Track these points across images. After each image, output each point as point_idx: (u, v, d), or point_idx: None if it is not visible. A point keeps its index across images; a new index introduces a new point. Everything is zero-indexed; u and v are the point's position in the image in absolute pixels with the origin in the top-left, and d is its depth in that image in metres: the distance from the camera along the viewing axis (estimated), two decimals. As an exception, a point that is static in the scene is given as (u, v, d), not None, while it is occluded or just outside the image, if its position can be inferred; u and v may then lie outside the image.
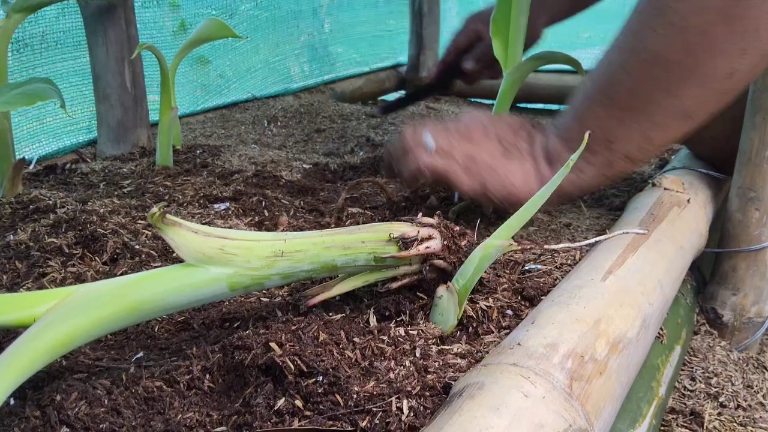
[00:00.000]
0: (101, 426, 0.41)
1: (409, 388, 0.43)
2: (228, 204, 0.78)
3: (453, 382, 0.43)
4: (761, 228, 0.75)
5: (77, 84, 1.11)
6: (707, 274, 0.83)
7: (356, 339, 0.48)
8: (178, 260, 0.45)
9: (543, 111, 1.74)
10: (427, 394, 0.43)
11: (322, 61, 1.69)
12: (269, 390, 0.43)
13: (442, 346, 0.50)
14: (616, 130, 0.65)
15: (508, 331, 0.52)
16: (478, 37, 1.03)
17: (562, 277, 0.58)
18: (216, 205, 0.78)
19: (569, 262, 0.62)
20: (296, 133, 1.27)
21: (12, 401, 0.43)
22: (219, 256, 0.45)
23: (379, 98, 1.83)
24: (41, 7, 0.85)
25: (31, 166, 0.99)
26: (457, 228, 0.55)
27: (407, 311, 0.53)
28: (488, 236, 0.69)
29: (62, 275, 0.60)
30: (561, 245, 0.58)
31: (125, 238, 0.65)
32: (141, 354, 0.51)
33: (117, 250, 0.64)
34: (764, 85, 0.72)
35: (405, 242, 0.52)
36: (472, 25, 1.04)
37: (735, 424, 0.67)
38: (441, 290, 0.51)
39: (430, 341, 0.50)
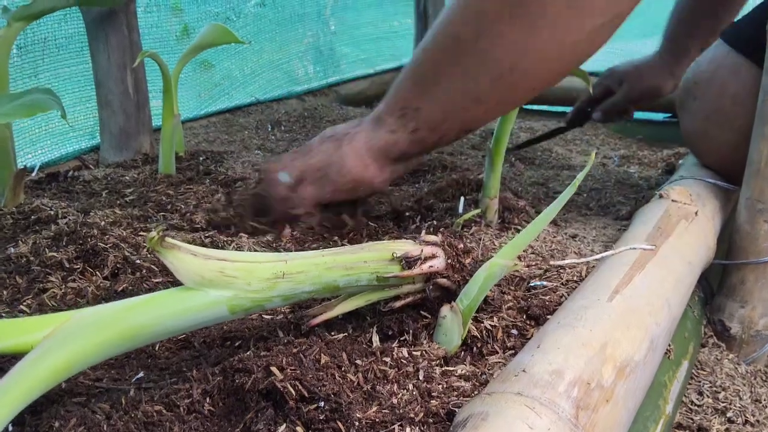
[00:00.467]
0: (99, 453, 0.40)
1: (412, 415, 0.42)
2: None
3: (457, 409, 0.42)
4: (770, 240, 0.74)
5: (80, 89, 1.11)
6: (715, 285, 0.82)
7: (358, 361, 0.47)
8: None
9: (549, 113, 1.72)
10: (431, 421, 0.42)
11: (326, 63, 1.68)
12: (270, 416, 0.43)
13: (446, 368, 0.49)
14: (420, 98, 0.68)
15: (513, 351, 0.51)
16: (609, 92, 1.23)
17: (568, 295, 0.58)
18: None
19: (575, 278, 0.61)
20: (300, 138, 1.27)
21: (11, 428, 0.43)
22: (219, 279, 0.44)
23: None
24: (42, 15, 0.84)
25: (34, 173, 0.99)
26: (461, 245, 0.55)
27: (411, 330, 0.52)
28: (493, 246, 0.69)
29: (63, 291, 0.60)
30: (567, 261, 0.58)
31: (126, 253, 0.64)
32: (141, 374, 0.50)
33: (118, 265, 0.63)
34: (774, 95, 0.71)
35: (408, 261, 0.51)
36: (605, 81, 1.24)
37: (743, 441, 0.66)
38: (445, 310, 0.50)
39: (433, 362, 0.49)
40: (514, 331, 0.53)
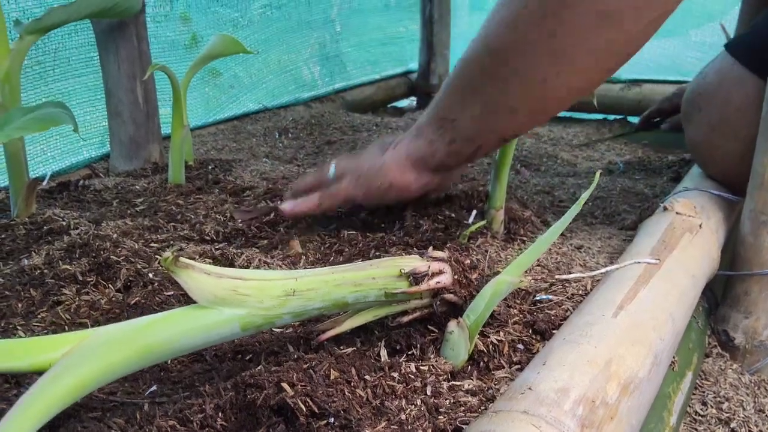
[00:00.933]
0: (116, 468, 0.41)
1: (421, 431, 0.43)
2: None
3: (464, 426, 0.43)
4: (774, 251, 0.75)
5: (89, 99, 1.12)
6: (719, 296, 0.83)
7: (367, 376, 0.48)
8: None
9: (565, 118, 1.72)
10: (438, 437, 0.43)
11: (332, 69, 1.69)
12: (282, 431, 0.44)
13: (453, 382, 0.50)
14: (457, 110, 0.69)
15: (519, 366, 0.52)
16: (676, 109, 1.30)
17: (574, 309, 0.58)
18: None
19: (580, 292, 0.62)
20: (307, 145, 1.28)
21: (29, 443, 0.44)
22: (232, 298, 0.45)
23: (389, 105, 1.84)
24: (54, 28, 0.85)
25: (45, 182, 1.00)
26: (468, 261, 0.56)
27: (418, 345, 0.53)
28: (499, 259, 0.70)
29: (76, 303, 0.61)
30: (572, 275, 0.58)
31: (138, 266, 0.65)
32: (154, 387, 0.52)
33: (130, 278, 0.64)
34: (778, 108, 0.72)
35: (416, 277, 0.52)
36: (676, 99, 1.37)
37: (746, 452, 0.66)
38: (452, 325, 0.51)
39: (441, 377, 0.50)
40: (521, 346, 0.54)
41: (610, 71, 0.64)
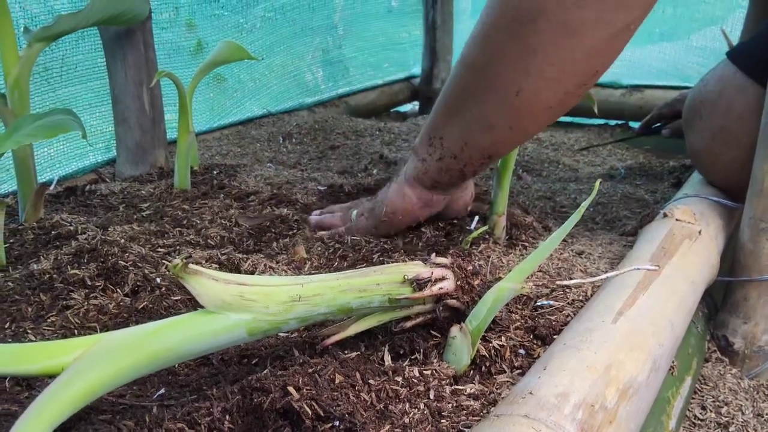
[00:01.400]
0: (126, 470, 0.42)
1: (423, 435, 0.44)
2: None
3: (466, 429, 0.44)
4: (773, 258, 0.75)
5: (95, 104, 1.13)
6: (718, 301, 0.84)
7: (371, 380, 0.49)
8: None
9: (567, 124, 1.73)
10: (441, 441, 0.44)
11: (336, 74, 1.71)
12: (287, 434, 0.45)
13: (455, 386, 0.51)
14: (444, 127, 0.72)
15: (520, 371, 0.53)
16: (677, 114, 1.34)
17: (574, 314, 0.59)
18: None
19: (581, 297, 0.63)
20: (311, 150, 1.29)
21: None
22: (239, 303, 0.46)
23: (392, 110, 1.85)
24: (62, 35, 0.87)
25: (52, 187, 1.01)
26: (470, 267, 0.57)
27: (421, 349, 0.54)
28: (501, 264, 0.71)
29: (85, 308, 0.62)
30: (573, 281, 0.59)
31: (146, 271, 0.66)
32: (162, 390, 0.53)
33: (138, 283, 0.65)
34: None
35: (419, 283, 0.53)
36: (676, 105, 1.38)
37: (745, 456, 0.67)
38: (455, 331, 0.52)
39: (443, 381, 0.51)
40: (522, 351, 0.55)
41: (580, 86, 0.64)
